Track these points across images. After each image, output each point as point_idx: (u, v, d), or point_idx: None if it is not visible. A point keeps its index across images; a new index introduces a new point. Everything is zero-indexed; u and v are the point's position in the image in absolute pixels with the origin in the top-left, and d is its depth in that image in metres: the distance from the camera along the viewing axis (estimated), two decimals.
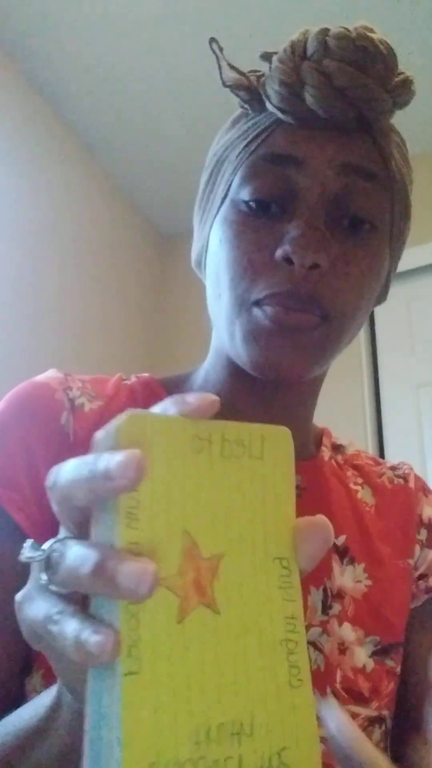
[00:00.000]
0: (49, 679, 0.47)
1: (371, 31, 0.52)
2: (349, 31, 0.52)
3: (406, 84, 0.53)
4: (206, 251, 0.60)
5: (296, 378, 0.53)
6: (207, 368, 0.63)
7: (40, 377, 0.59)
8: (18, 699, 0.49)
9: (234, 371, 0.59)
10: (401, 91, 0.53)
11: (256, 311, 0.52)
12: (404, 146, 0.59)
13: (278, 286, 0.51)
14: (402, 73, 0.53)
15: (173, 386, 0.64)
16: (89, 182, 2.51)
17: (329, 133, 0.53)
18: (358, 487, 0.65)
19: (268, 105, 0.54)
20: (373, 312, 2.31)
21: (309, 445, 0.65)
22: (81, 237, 2.41)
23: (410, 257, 2.34)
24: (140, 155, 2.53)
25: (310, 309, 0.51)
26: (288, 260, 0.51)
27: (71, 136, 2.43)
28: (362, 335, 2.27)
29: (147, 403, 0.60)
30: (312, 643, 0.52)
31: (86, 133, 2.45)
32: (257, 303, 0.52)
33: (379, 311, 2.29)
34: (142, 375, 0.65)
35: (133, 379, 0.64)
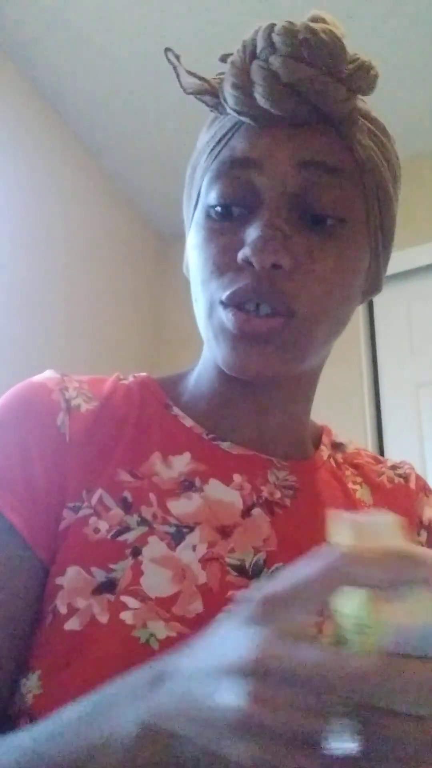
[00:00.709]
0: (46, 680, 0.47)
1: (321, 20, 0.52)
2: (293, 24, 0.51)
3: (362, 69, 0.52)
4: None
5: (268, 378, 0.54)
6: (199, 368, 0.64)
7: (37, 378, 0.59)
8: (6, 699, 0.49)
9: (222, 371, 0.60)
10: (356, 77, 0.52)
11: (221, 313, 0.53)
12: (382, 133, 0.58)
13: (241, 285, 0.52)
14: (357, 59, 0.52)
15: (170, 386, 0.64)
16: (89, 182, 2.51)
17: (288, 131, 0.53)
18: (357, 486, 0.65)
19: (227, 108, 0.54)
20: (373, 312, 2.33)
21: (306, 444, 0.65)
22: (80, 237, 2.41)
23: (410, 257, 2.35)
24: (140, 155, 2.53)
25: (272, 306, 0.52)
26: (249, 263, 0.51)
27: (71, 137, 2.43)
28: (362, 335, 2.27)
29: (142, 405, 0.60)
30: None
31: (86, 133, 2.44)
32: (222, 303, 0.53)
33: (379, 311, 2.29)
34: (140, 375, 0.66)
35: (131, 378, 0.64)
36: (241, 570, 0.52)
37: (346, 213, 0.53)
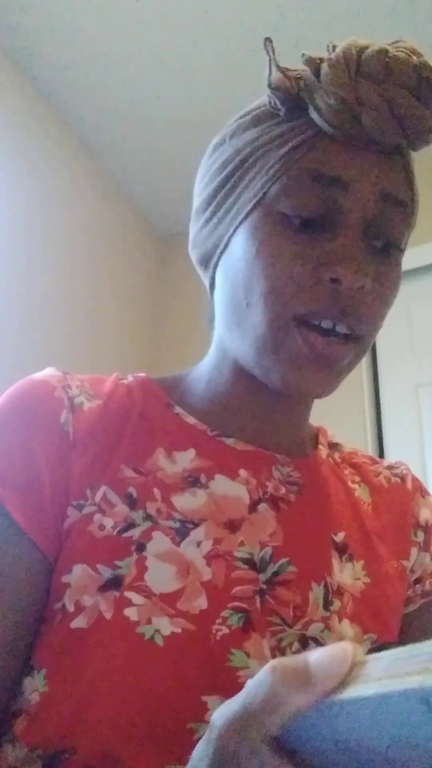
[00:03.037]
0: (52, 679, 0.47)
1: (422, 55, 0.52)
2: (410, 56, 0.51)
3: None
4: (222, 253, 0.59)
5: (320, 397, 0.56)
6: (210, 369, 0.63)
7: (39, 375, 0.59)
8: (8, 698, 0.49)
9: (239, 375, 0.60)
10: None
11: (296, 334, 0.53)
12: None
13: (322, 302, 0.52)
14: None
15: (170, 386, 0.64)
16: (88, 182, 2.51)
17: (373, 156, 0.53)
18: (356, 485, 0.65)
19: (314, 115, 0.53)
20: None
21: (305, 443, 0.65)
22: (80, 237, 2.41)
23: (410, 257, 2.34)
24: (140, 155, 2.53)
25: (350, 329, 0.53)
26: (335, 280, 0.52)
27: (71, 137, 2.43)
28: None
29: (143, 403, 0.61)
30: (314, 639, 0.52)
31: (86, 132, 2.44)
32: (296, 320, 0.53)
33: None
34: (139, 375, 0.66)
35: (130, 378, 0.64)
36: (250, 563, 0.53)
37: (402, 244, 0.56)
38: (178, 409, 0.61)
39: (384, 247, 0.54)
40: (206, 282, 0.63)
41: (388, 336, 2.27)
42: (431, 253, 2.20)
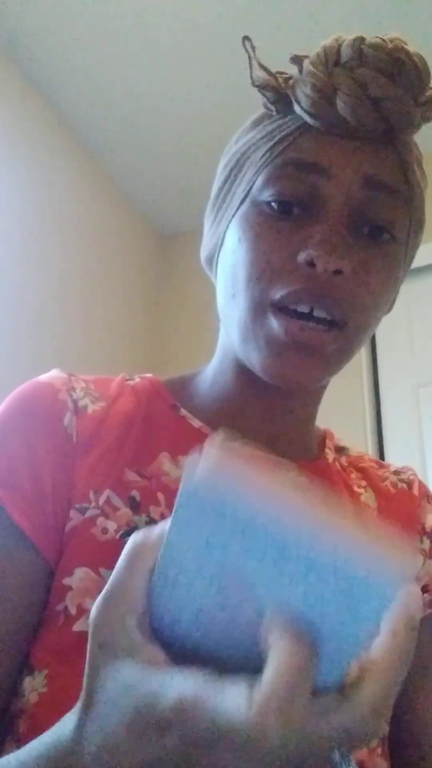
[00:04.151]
0: (52, 680, 0.47)
1: (404, 43, 0.52)
2: (384, 41, 0.51)
3: None
4: (220, 250, 0.60)
5: (305, 387, 0.54)
6: (214, 370, 0.63)
7: (44, 377, 0.59)
8: (7, 698, 0.49)
9: (241, 373, 0.59)
10: (430, 106, 0.53)
11: (272, 320, 0.52)
12: (422, 159, 0.59)
13: (296, 286, 0.51)
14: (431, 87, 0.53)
15: (177, 388, 0.64)
16: (89, 182, 2.51)
17: (355, 143, 0.53)
18: (362, 490, 0.65)
19: (297, 108, 0.54)
20: None
21: (312, 447, 0.65)
22: (81, 237, 2.41)
23: None
24: (140, 155, 2.53)
25: (328, 312, 0.52)
26: (311, 264, 0.51)
27: (71, 136, 2.42)
28: None
29: (149, 405, 0.60)
30: None
31: (86, 132, 2.44)
32: (273, 306, 0.52)
33: None
34: (146, 375, 0.65)
35: (137, 379, 0.64)
36: None
37: (397, 232, 0.54)
38: (183, 412, 0.61)
39: (372, 233, 0.53)
40: (214, 282, 0.63)
41: (388, 336, 2.27)
42: (431, 253, 2.20)
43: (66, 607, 0.49)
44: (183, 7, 1.97)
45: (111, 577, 0.34)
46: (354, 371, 2.24)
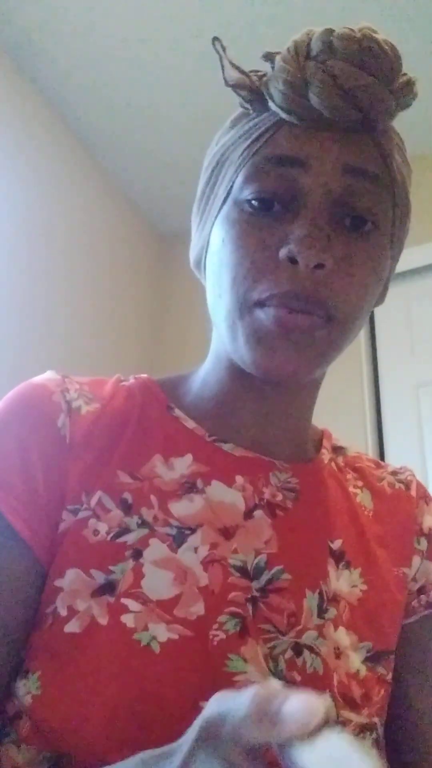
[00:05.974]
0: (45, 681, 0.47)
1: (374, 32, 0.52)
2: (353, 31, 0.51)
3: (409, 85, 0.53)
4: (206, 252, 0.60)
5: (298, 379, 0.53)
6: (206, 370, 0.63)
7: (38, 379, 0.59)
8: (3, 700, 0.49)
9: (233, 373, 0.59)
10: (404, 92, 0.53)
11: (259, 312, 0.52)
12: (404, 147, 0.59)
13: (281, 287, 0.51)
14: (405, 74, 0.53)
15: (171, 388, 0.64)
16: (88, 182, 2.51)
17: (332, 134, 0.53)
18: (358, 491, 0.65)
19: (271, 104, 0.54)
20: (373, 312, 2.31)
21: (307, 447, 0.64)
22: (80, 237, 2.41)
23: (410, 257, 2.35)
24: (140, 155, 2.53)
25: (313, 310, 0.51)
26: (292, 260, 0.51)
27: (71, 136, 2.43)
28: (362, 335, 2.27)
29: (143, 406, 0.60)
30: (308, 647, 0.51)
31: (86, 132, 2.44)
32: (259, 304, 0.52)
33: (379, 311, 2.29)
34: (140, 376, 0.65)
35: (131, 380, 0.64)
36: (243, 571, 0.52)
37: (379, 221, 0.54)
38: (177, 412, 0.61)
39: (354, 223, 0.53)
40: (204, 284, 0.63)
41: (388, 336, 2.27)
42: (431, 253, 2.20)
43: (56, 609, 0.49)
44: (186, 12, 1.97)
45: None
46: (354, 371, 2.24)
